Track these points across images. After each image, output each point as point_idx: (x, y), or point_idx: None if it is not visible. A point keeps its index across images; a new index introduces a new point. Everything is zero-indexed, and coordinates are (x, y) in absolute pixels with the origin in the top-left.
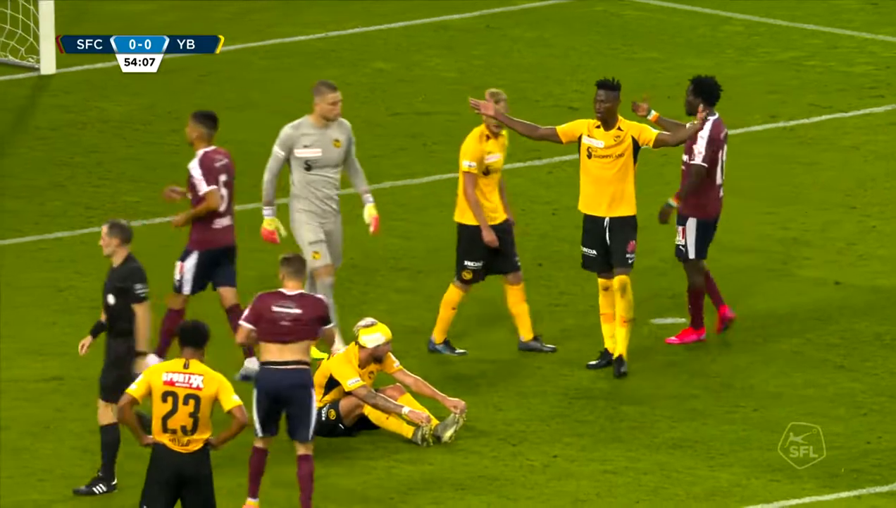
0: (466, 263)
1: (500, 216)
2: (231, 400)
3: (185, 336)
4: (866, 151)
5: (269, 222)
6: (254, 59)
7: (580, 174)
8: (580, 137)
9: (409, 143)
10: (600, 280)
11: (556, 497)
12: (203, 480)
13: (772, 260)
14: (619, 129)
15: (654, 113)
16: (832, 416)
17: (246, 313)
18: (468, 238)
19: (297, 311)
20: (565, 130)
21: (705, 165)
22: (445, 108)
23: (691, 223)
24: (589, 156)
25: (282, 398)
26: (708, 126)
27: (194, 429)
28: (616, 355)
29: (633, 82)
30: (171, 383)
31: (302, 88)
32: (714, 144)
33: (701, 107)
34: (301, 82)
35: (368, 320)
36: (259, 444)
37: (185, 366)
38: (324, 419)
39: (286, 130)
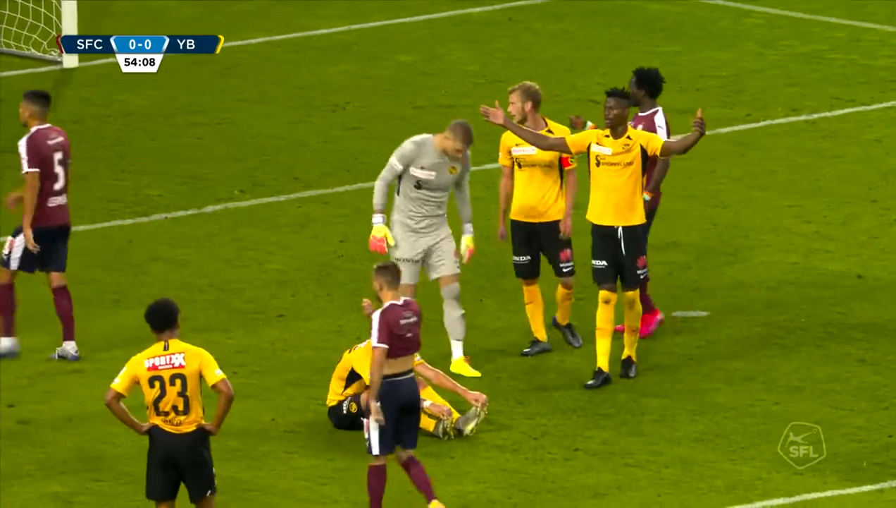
0: (513, 258)
1: (543, 216)
2: (214, 375)
3: (157, 319)
4: (888, 145)
5: (378, 230)
6: (277, 52)
7: (590, 184)
8: (589, 146)
9: None
10: (603, 293)
11: (577, 490)
12: (201, 462)
13: (794, 253)
14: (629, 137)
15: (590, 124)
16: (854, 410)
17: (377, 334)
18: (512, 235)
19: (415, 318)
20: (574, 140)
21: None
22: (467, 101)
23: None
24: (598, 164)
25: (409, 408)
26: (661, 117)
27: (186, 408)
28: (624, 356)
29: None
30: (155, 367)
31: (321, 81)
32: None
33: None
34: (321, 76)
35: None
36: (378, 462)
37: (165, 348)
38: (345, 412)
39: (409, 146)
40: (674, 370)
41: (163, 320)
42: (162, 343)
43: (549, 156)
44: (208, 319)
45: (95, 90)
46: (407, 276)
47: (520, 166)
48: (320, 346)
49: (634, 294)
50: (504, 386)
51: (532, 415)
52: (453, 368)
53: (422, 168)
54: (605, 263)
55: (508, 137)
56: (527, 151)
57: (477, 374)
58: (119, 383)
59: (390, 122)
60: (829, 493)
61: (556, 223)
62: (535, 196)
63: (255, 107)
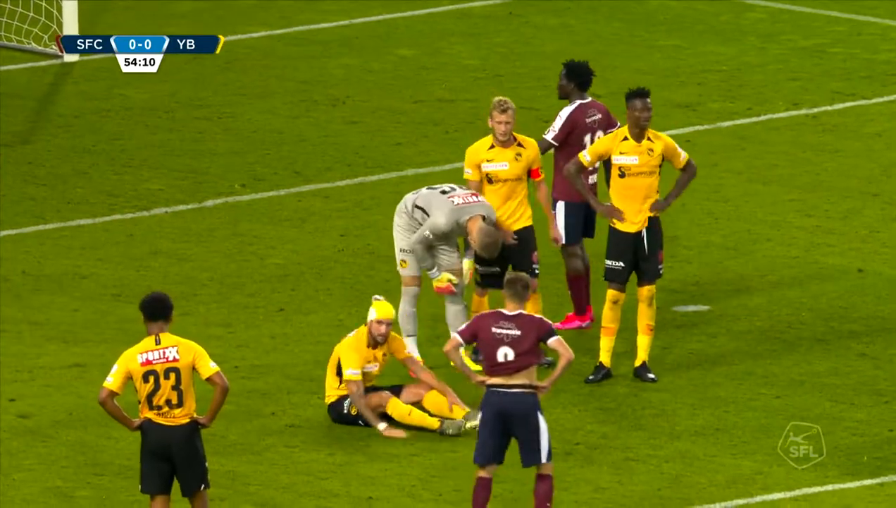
0: (477, 266)
1: (516, 225)
2: (209, 367)
3: (150, 311)
4: (889, 139)
5: (440, 280)
6: (278, 45)
7: (610, 193)
8: (609, 159)
9: (432, 130)
10: (613, 292)
11: (578, 484)
12: (194, 455)
13: (795, 247)
14: (649, 139)
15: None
16: (855, 404)
17: (462, 327)
18: None
19: (518, 332)
20: (593, 158)
21: (555, 143)
22: (467, 95)
23: (560, 207)
24: (622, 175)
25: (509, 422)
26: (570, 108)
27: (180, 402)
28: (640, 362)
29: (657, 70)
30: (149, 362)
31: (321, 75)
32: (576, 127)
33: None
34: (322, 70)
35: (380, 296)
36: (480, 474)
37: (157, 342)
38: (345, 412)
39: (444, 224)
40: (674, 365)
41: (157, 309)
42: (153, 337)
43: (520, 171)
44: (209, 313)
45: (96, 84)
46: (411, 268)
47: (490, 182)
48: (321, 340)
49: (653, 289)
50: None
51: None
52: None
53: (444, 235)
54: (622, 264)
55: (478, 152)
56: (499, 166)
57: (478, 368)
58: (112, 381)
59: (391, 116)
60: (829, 487)
61: (521, 231)
62: (506, 209)
63: (256, 101)
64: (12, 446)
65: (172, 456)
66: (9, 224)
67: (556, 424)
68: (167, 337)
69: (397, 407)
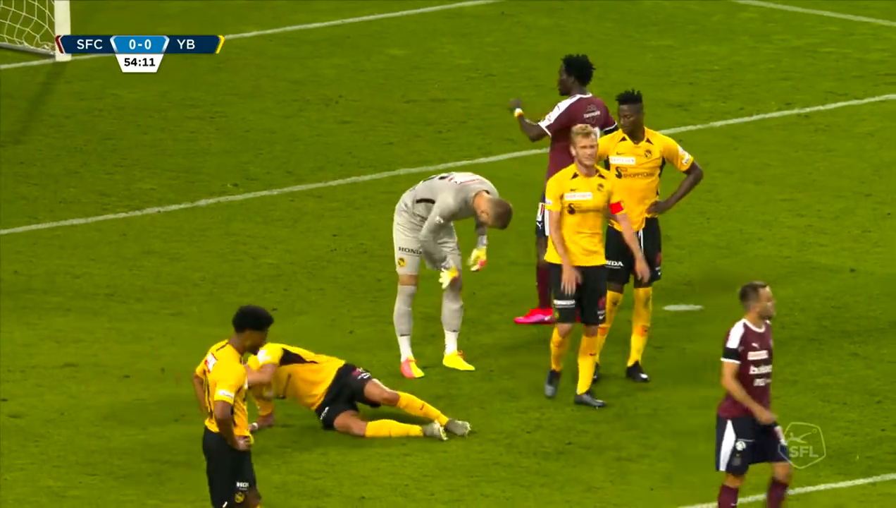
0: (555, 302)
1: (593, 260)
2: (216, 394)
3: (234, 318)
4: (881, 138)
5: (453, 271)
6: (269, 45)
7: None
8: (607, 159)
9: (424, 130)
10: (611, 293)
11: (570, 484)
12: (216, 465)
13: (787, 247)
14: (649, 141)
15: (518, 110)
16: (847, 403)
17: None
18: (552, 277)
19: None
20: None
21: (547, 131)
22: (459, 95)
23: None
24: (619, 176)
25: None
26: (570, 101)
27: (211, 412)
28: (632, 362)
29: (649, 70)
30: (206, 361)
31: (314, 75)
32: (574, 120)
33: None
34: (314, 70)
35: None
36: (729, 482)
37: (220, 348)
38: (323, 420)
39: (453, 206)
40: (667, 365)
41: (235, 317)
42: (224, 341)
43: (602, 202)
44: (201, 313)
45: (88, 84)
46: (409, 267)
47: (572, 212)
48: (313, 340)
49: (649, 292)
50: (497, 380)
51: (525, 409)
52: (447, 362)
53: (453, 216)
54: (620, 264)
55: (561, 181)
56: (583, 196)
57: (471, 368)
58: (199, 365)
59: (383, 115)
60: (822, 487)
61: (596, 269)
62: (585, 242)
63: (248, 101)
64: (4, 446)
65: (208, 459)
66: (1, 224)
67: (548, 423)
68: (225, 349)
69: (379, 430)
